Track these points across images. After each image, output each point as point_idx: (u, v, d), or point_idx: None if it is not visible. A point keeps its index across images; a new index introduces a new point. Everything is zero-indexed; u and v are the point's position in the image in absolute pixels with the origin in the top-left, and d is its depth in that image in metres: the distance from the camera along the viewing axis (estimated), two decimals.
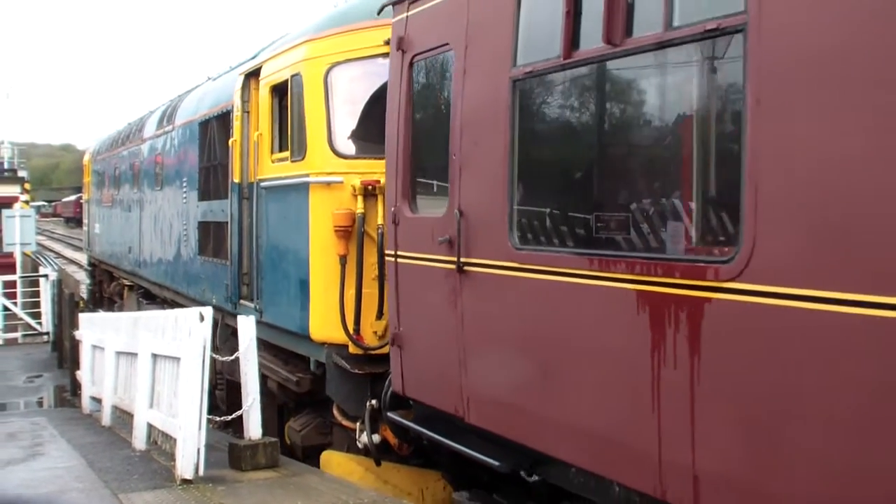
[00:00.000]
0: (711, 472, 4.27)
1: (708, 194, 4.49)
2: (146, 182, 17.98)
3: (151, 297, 17.64)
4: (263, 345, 10.08)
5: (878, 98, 3.49)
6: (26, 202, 30.03)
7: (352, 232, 8.75)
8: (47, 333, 22.09)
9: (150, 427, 9.75)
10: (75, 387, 14.91)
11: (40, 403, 16.02)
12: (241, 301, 11.34)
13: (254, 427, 8.82)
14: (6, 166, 37.96)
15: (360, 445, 8.72)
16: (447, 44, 6.40)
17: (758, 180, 3.91)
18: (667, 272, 4.42)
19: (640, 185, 5.00)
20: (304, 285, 9.36)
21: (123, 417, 11.19)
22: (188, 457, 8.18)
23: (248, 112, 11.33)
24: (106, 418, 11.66)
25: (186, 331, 8.59)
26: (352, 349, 8.76)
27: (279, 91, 10.25)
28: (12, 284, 23.31)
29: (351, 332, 8.70)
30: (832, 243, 3.64)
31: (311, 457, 9.47)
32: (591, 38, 4.99)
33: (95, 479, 8.57)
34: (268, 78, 10.52)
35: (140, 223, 18.40)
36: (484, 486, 6.84)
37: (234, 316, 11.35)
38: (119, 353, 11.34)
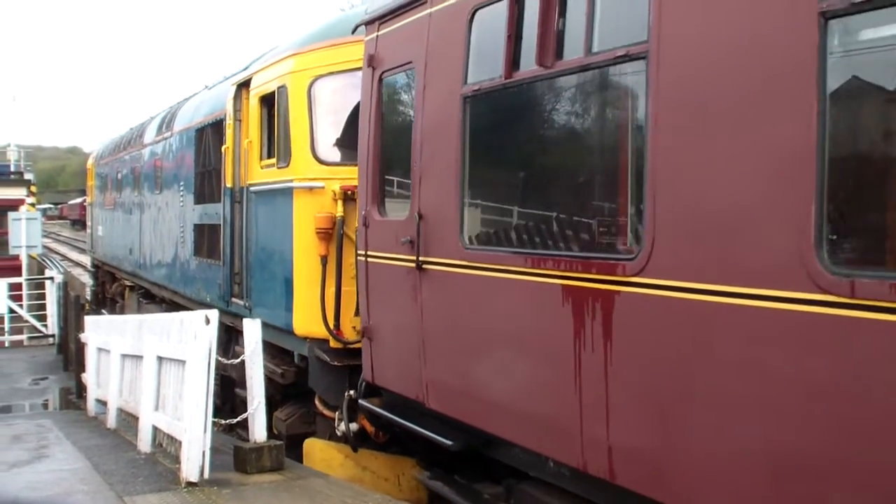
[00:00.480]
0: (623, 446, 4.87)
1: (621, 200, 5.10)
2: (146, 186, 18.63)
3: (151, 297, 18.29)
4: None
5: (743, 129, 4.11)
6: (32, 205, 29.27)
7: (332, 234, 9.36)
8: (53, 336, 22.01)
9: (156, 430, 9.73)
10: (80, 389, 14.81)
11: (45, 406, 15.91)
12: (233, 299, 11.97)
13: (259, 430, 8.82)
14: (13, 169, 37.66)
15: (339, 433, 9.31)
16: (410, 62, 7.02)
17: (655, 190, 4.53)
18: (585, 269, 5.03)
19: (567, 192, 5.61)
20: (288, 284, 9.98)
21: (129, 420, 11.17)
22: (193, 459, 8.15)
23: (239, 120, 11.97)
24: (111, 421, 11.59)
25: (192, 334, 8.58)
26: (332, 343, 9.36)
27: (268, 101, 10.87)
28: (18, 287, 23.22)
29: (331, 327, 9.30)
30: (709, 244, 4.25)
31: (295, 445, 10.07)
32: (529, 60, 5.60)
33: (100, 482, 8.54)
34: (257, 88, 11.16)
35: (140, 226, 19.05)
36: (448, 467, 7.43)
37: (228, 314, 12.01)
38: (125, 356, 11.33)
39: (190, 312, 9.46)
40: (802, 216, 3.78)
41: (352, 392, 8.94)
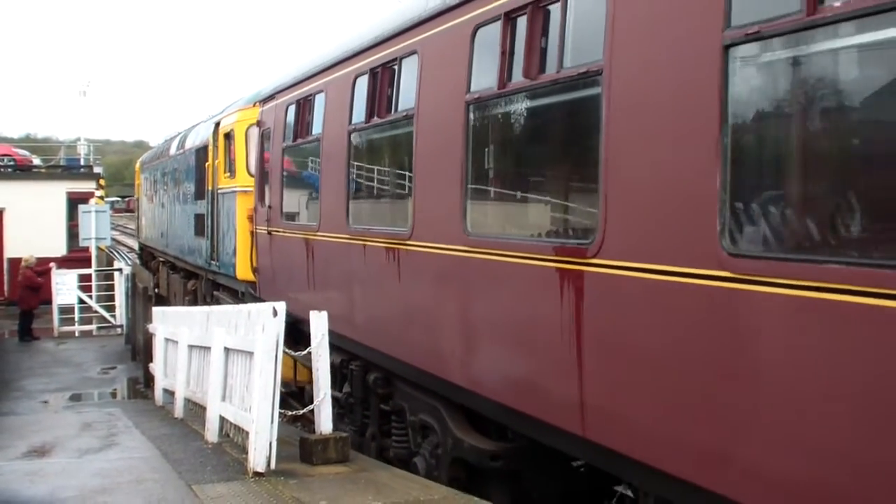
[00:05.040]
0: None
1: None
2: (170, 186, 25.51)
3: (175, 269, 25.10)
4: (220, 287, 17.39)
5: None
6: (101, 198, 29.18)
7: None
8: (121, 326, 22.46)
9: (223, 420, 9.87)
10: (148, 379, 15.27)
11: (114, 395, 16.18)
12: (212, 261, 18.62)
13: (325, 421, 8.92)
14: (82, 163, 37.65)
15: None
16: (270, 127, 13.42)
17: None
18: (311, 230, 11.36)
19: (316, 190, 11.92)
20: (234, 249, 16.54)
21: (195, 410, 11.39)
22: (260, 450, 8.28)
23: (216, 147, 18.60)
24: (178, 410, 11.81)
25: (260, 326, 8.65)
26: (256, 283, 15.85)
27: (227, 137, 17.49)
28: (88, 278, 23.51)
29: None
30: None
31: None
32: (313, 131, 11.90)
33: (170, 470, 8.71)
34: (222, 128, 17.78)
35: (167, 216, 25.90)
36: None
37: (210, 271, 18.66)
38: (191, 347, 11.59)
39: (257, 304, 9.79)
40: None
41: None
